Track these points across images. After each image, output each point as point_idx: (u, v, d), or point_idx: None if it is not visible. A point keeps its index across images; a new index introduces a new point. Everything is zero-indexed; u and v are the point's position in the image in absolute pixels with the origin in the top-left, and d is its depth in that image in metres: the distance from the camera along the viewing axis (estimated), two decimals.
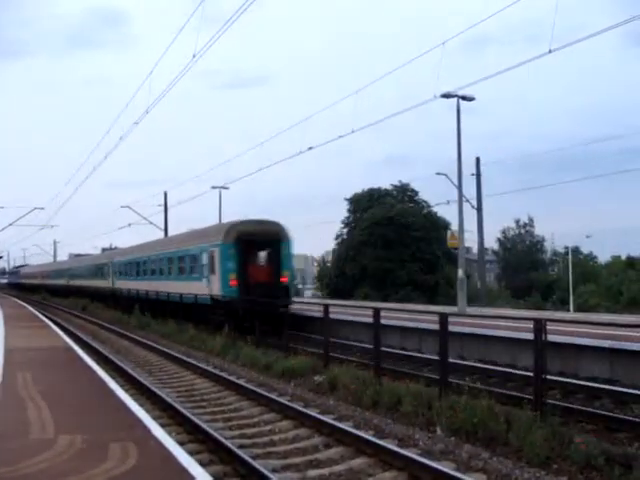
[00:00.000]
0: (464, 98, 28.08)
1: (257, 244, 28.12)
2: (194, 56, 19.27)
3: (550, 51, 16.85)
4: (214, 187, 58.26)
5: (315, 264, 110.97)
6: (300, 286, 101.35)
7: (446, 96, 27.23)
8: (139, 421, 9.31)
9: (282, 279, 27.93)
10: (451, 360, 14.47)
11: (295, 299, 30.52)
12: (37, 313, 39.58)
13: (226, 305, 27.26)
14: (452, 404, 11.70)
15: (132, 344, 27.73)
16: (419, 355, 20.00)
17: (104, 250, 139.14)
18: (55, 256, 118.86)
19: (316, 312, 25.09)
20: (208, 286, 28.98)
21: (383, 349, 16.50)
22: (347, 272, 63.79)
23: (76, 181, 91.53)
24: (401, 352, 20.61)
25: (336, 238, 70.50)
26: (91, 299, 53.69)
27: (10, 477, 6.68)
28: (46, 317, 37.69)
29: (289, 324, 21.66)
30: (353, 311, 26.10)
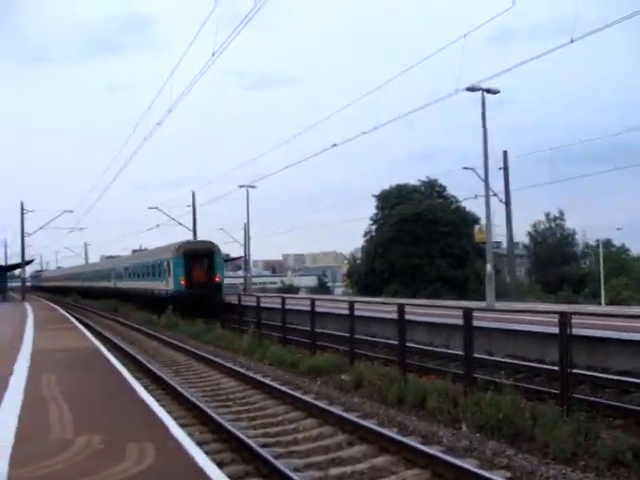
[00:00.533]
0: (489, 91, 27.78)
1: (198, 257, 40.25)
2: (213, 54, 19.24)
3: (572, 41, 16.55)
4: (241, 186, 58.50)
5: (345, 261, 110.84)
6: (330, 284, 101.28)
7: (471, 89, 26.96)
8: (159, 421, 9.25)
9: (216, 279, 39.94)
10: (477, 355, 14.28)
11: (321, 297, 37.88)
12: (67, 315, 39.80)
13: (177, 297, 38.95)
14: (477, 400, 11.53)
15: (160, 344, 27.81)
16: (445, 351, 19.78)
17: (134, 251, 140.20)
18: (86, 258, 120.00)
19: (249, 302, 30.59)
20: (166, 285, 41.45)
21: (408, 345, 16.34)
22: (376, 269, 63.63)
23: (104, 184, 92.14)
24: (427, 348, 20.39)
25: (365, 235, 70.48)
26: (97, 297, 62.97)
27: (26, 477, 6.65)
28: (76, 319, 37.94)
29: (223, 310, 34.89)
30: (379, 308, 25.95)
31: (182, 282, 39.39)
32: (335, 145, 28.21)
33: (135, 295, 49.48)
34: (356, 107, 25.97)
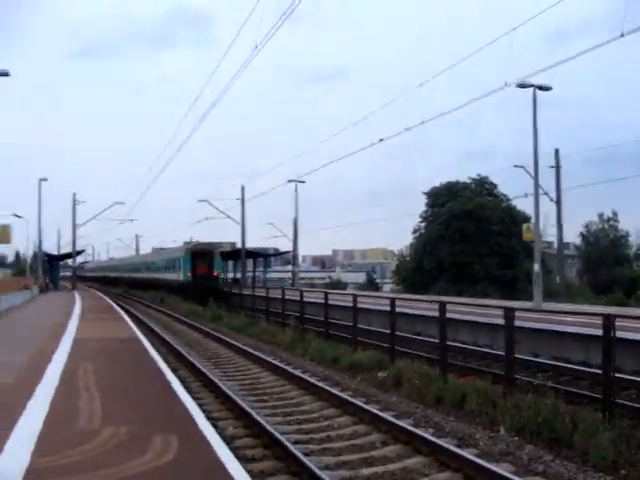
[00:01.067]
0: (540, 88, 27.20)
1: (201, 255, 52.70)
2: (256, 47, 19.13)
3: (622, 35, 16.05)
4: (290, 180, 58.43)
5: (394, 258, 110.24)
6: (379, 281, 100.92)
7: (522, 86, 26.42)
8: (188, 414, 9.15)
9: (214, 273, 52.62)
10: (518, 356, 13.94)
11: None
12: (114, 305, 40.27)
13: (186, 285, 51.60)
14: (517, 402, 11.22)
15: (203, 336, 27.92)
16: (485, 351, 19.38)
17: (185, 243, 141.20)
18: (137, 250, 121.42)
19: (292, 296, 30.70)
20: (179, 276, 53.80)
21: (449, 344, 16.04)
22: (424, 266, 63.15)
23: (152, 176, 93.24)
24: (468, 347, 20.02)
25: (414, 232, 69.97)
26: (129, 286, 75.21)
27: (46, 467, 6.59)
28: (123, 309, 38.36)
29: (218, 296, 43.08)
30: (424, 305, 25.62)
31: (189, 274, 51.98)
32: (381, 140, 27.90)
33: (158, 283, 61.07)
34: (405, 102, 25.60)
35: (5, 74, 29.09)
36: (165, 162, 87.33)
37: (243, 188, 62.84)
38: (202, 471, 6.61)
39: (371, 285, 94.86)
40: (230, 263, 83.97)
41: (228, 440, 10.62)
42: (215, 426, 11.40)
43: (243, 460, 9.57)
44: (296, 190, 59.76)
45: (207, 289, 46.20)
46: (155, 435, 7.76)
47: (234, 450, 9.96)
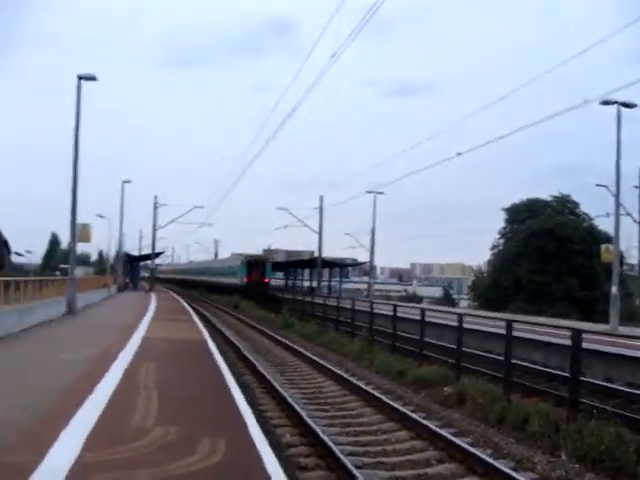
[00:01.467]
0: (625, 105, 26.44)
1: (255, 264, 62.60)
2: (333, 56, 19.14)
3: None
4: (369, 192, 58.38)
5: (472, 273, 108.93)
6: (455, 296, 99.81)
7: (606, 103, 25.74)
8: (241, 419, 9.13)
9: (265, 280, 62.06)
10: (586, 379, 13.50)
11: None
12: (188, 307, 40.84)
13: (242, 288, 59.89)
14: (580, 428, 10.84)
15: (272, 343, 28.04)
16: (552, 372, 18.78)
17: (265, 251, 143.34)
18: (216, 254, 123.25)
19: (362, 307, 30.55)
20: (237, 280, 63.07)
21: (516, 363, 15.69)
22: (501, 283, 62.11)
23: (231, 182, 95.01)
24: (536, 367, 19.50)
25: (492, 248, 68.99)
26: (195, 287, 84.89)
27: (93, 461, 6.67)
28: (196, 312, 38.91)
29: (268, 299, 52.62)
30: (497, 323, 25.15)
31: (245, 279, 61.48)
32: (459, 154, 27.55)
33: (220, 287, 70.47)
34: (491, 116, 25.07)
35: (92, 78, 29.93)
36: (243, 168, 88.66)
37: (322, 198, 63.26)
38: (244, 476, 6.58)
39: (447, 300, 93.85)
40: (307, 271, 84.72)
41: (282, 447, 10.67)
42: (271, 432, 11.54)
43: (296, 468, 9.60)
44: (374, 201, 59.75)
45: (259, 292, 56.56)
46: (204, 437, 7.77)
47: (287, 458, 10.02)
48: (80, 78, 29.74)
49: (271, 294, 57.18)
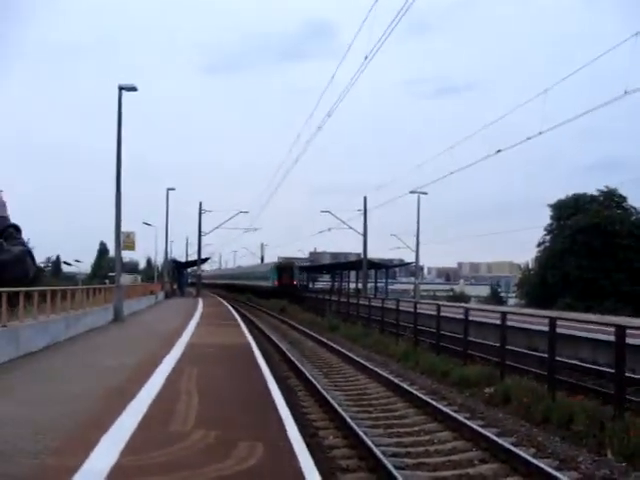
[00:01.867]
0: None
1: (284, 269, 70.18)
2: (366, 58, 19.11)
3: None
4: (412, 192, 58.05)
5: (520, 271, 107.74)
6: (503, 294, 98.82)
7: None
8: (280, 422, 9.16)
9: (294, 282, 68.90)
10: (632, 376, 13.26)
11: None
12: (234, 312, 41.11)
13: (274, 289, 66.52)
14: (627, 426, 10.66)
15: (318, 345, 28.08)
16: (597, 368, 18.42)
17: (311, 254, 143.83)
18: (262, 258, 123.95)
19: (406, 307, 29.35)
20: (269, 283, 69.64)
21: (561, 360, 15.47)
22: (548, 280, 61.30)
23: (274, 186, 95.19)
24: (580, 364, 19.16)
25: (538, 245, 68.13)
26: (231, 290, 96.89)
27: (130, 465, 6.79)
28: (242, 316, 39.15)
29: (296, 298, 60.30)
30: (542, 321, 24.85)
31: (276, 283, 68.14)
32: (499, 151, 27.24)
33: (254, 289, 78.79)
34: (530, 112, 24.74)
35: (132, 89, 30.33)
36: (284, 172, 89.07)
37: (365, 199, 63.23)
38: (278, 479, 6.62)
39: (495, 299, 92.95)
40: (352, 273, 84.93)
41: (324, 449, 10.71)
42: (314, 435, 11.58)
43: (337, 470, 9.62)
44: (418, 201, 59.51)
45: (288, 293, 63.08)
46: (242, 441, 7.83)
47: (329, 460, 10.04)
48: (121, 89, 30.17)
49: (298, 294, 64.19)
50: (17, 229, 3.49)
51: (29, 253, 3.34)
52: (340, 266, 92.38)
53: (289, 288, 65.87)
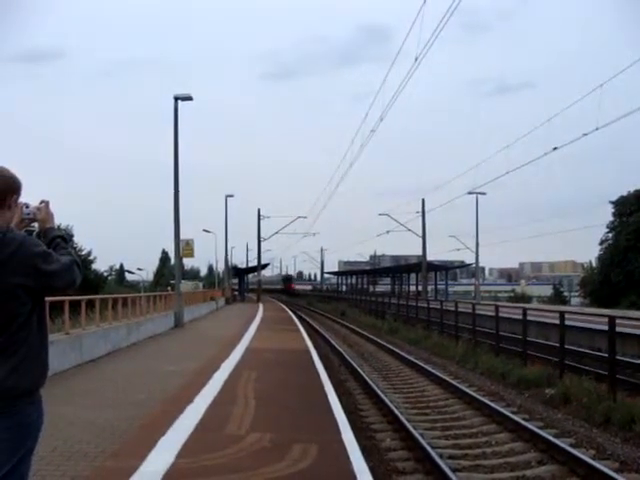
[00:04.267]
0: None
1: (287, 279, 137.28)
2: (416, 59, 19.04)
3: None
4: (470, 192, 57.50)
5: (583, 270, 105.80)
6: (566, 294, 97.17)
7: None
8: (335, 425, 9.21)
9: (292, 286, 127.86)
10: None
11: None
12: (293, 317, 41.29)
13: (282, 290, 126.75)
14: None
15: (377, 348, 28.06)
16: None
17: (371, 257, 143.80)
18: (322, 263, 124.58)
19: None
20: (281, 286, 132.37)
21: (623, 359, 15.21)
22: (612, 279, 60.10)
23: (330, 190, 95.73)
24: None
25: (601, 243, 66.83)
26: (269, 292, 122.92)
27: (185, 467, 6.92)
28: (303, 321, 39.36)
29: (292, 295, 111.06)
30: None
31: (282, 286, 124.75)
32: (556, 148, 26.83)
33: (274, 290, 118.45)
34: (587, 109, 24.27)
35: (188, 98, 30.77)
36: (341, 176, 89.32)
37: (423, 201, 62.72)
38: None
39: (558, 299, 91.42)
40: (412, 276, 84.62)
41: (381, 451, 10.73)
42: (371, 437, 11.62)
43: (393, 472, 9.64)
44: (476, 202, 59.01)
45: (290, 293, 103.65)
46: (296, 443, 7.91)
47: (386, 462, 10.07)
48: (177, 99, 30.63)
49: (293, 293, 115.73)
50: (64, 239, 3.63)
51: (76, 263, 3.47)
52: (400, 269, 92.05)
53: (290, 289, 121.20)
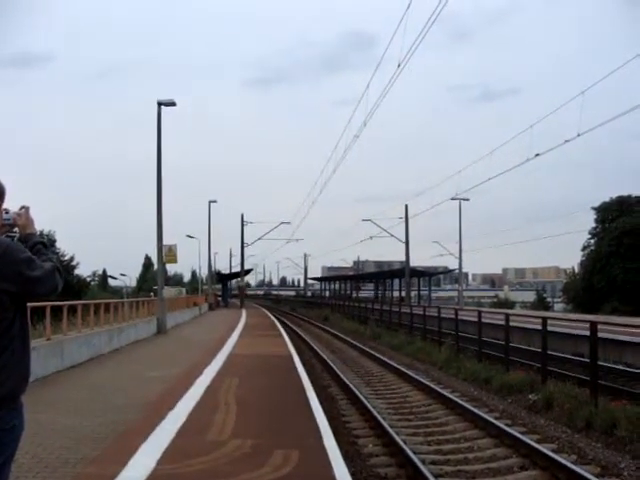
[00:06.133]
0: None
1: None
2: (399, 65, 19.05)
3: None
4: (453, 198, 57.65)
5: (565, 276, 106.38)
6: (549, 299, 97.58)
7: None
8: (317, 431, 9.19)
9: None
10: None
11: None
12: (276, 322, 41.21)
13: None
14: None
15: (360, 354, 28.03)
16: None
17: (355, 263, 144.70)
18: (306, 269, 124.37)
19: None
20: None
21: (604, 364, 15.28)
22: (594, 284, 60.45)
23: (313, 196, 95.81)
24: (622, 369, 18.87)
25: (583, 249, 67.26)
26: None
27: (165, 473, 6.89)
28: (285, 326, 39.24)
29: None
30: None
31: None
32: (538, 155, 26.94)
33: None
34: (570, 115, 24.40)
35: (171, 104, 30.75)
36: (324, 182, 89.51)
37: (406, 207, 62.90)
38: None
39: (541, 305, 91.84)
40: (396, 281, 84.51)
41: (363, 457, 10.72)
42: (354, 443, 11.60)
43: (376, 478, 9.64)
44: (460, 208, 59.20)
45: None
46: (278, 449, 7.89)
47: (368, 468, 10.05)
48: (160, 104, 30.59)
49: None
50: (45, 245, 3.60)
51: (58, 269, 3.44)
52: (383, 275, 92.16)
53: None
